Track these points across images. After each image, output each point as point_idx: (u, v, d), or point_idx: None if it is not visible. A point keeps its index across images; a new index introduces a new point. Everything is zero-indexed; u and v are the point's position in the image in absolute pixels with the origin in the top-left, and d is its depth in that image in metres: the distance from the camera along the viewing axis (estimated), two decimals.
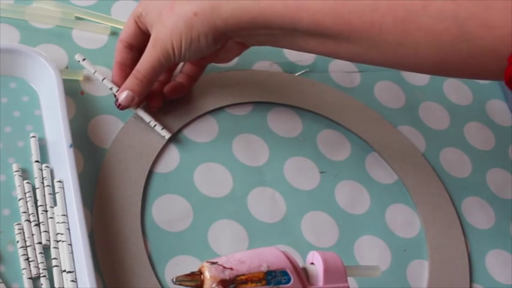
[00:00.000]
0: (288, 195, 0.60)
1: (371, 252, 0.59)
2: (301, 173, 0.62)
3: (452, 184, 0.66)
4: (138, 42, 0.58)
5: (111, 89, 0.59)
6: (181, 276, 0.43)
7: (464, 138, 0.70)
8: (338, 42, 0.51)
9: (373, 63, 0.53)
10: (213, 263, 0.43)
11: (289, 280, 0.44)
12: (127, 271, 0.52)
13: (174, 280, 0.43)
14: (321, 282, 0.46)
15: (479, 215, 0.65)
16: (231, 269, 0.43)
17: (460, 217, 0.64)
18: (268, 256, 0.44)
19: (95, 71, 0.60)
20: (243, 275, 0.43)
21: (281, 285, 0.44)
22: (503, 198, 0.67)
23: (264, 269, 0.43)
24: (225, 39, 0.56)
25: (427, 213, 0.63)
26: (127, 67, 0.59)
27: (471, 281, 0.60)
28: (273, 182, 0.61)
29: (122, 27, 0.65)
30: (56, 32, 0.63)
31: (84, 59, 0.60)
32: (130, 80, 0.57)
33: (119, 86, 0.58)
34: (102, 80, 0.60)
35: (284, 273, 0.44)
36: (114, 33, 0.65)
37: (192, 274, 0.43)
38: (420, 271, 0.60)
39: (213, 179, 0.59)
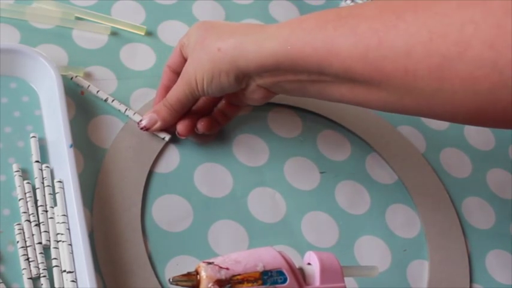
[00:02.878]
0: (288, 195, 0.60)
1: (371, 252, 0.59)
2: (301, 173, 0.62)
3: (452, 184, 0.66)
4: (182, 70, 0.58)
5: (105, 100, 0.60)
6: (177, 276, 0.43)
7: (464, 138, 0.70)
8: (369, 88, 0.48)
9: (405, 112, 0.50)
10: (209, 263, 0.43)
11: (285, 280, 0.44)
12: (127, 271, 0.52)
13: (171, 280, 0.44)
14: (317, 282, 0.46)
15: (479, 215, 0.65)
16: (227, 269, 0.43)
17: (460, 217, 0.64)
18: (264, 256, 0.45)
19: (89, 85, 0.60)
20: (239, 274, 0.43)
21: (277, 285, 0.44)
22: (503, 198, 0.67)
23: (260, 268, 0.43)
24: (248, 80, 0.54)
25: (427, 213, 0.63)
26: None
27: (471, 281, 0.60)
28: (273, 182, 0.61)
29: (122, 27, 0.66)
30: (56, 32, 0.63)
31: (76, 76, 0.60)
32: (159, 105, 0.58)
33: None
34: (97, 92, 0.60)
35: (280, 273, 0.44)
36: (114, 33, 0.65)
37: (189, 274, 0.43)
38: (420, 271, 0.60)
39: (213, 179, 0.59)
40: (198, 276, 0.43)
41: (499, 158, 0.70)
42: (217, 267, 0.43)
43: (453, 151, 0.69)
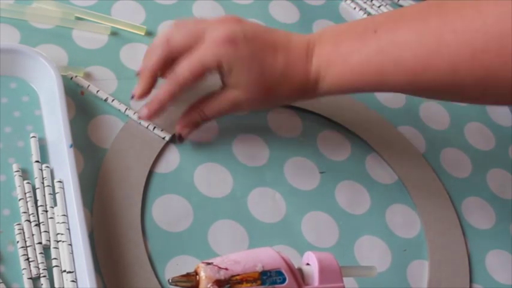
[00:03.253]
0: (288, 195, 0.60)
1: (371, 252, 0.59)
2: (301, 173, 0.62)
3: (452, 184, 0.66)
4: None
5: (105, 99, 0.60)
6: (177, 277, 0.44)
7: (464, 138, 0.70)
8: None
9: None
10: (208, 264, 0.43)
11: (284, 280, 0.44)
12: (127, 271, 0.52)
13: (170, 281, 0.44)
14: (316, 283, 0.46)
15: (479, 215, 0.65)
16: (226, 269, 0.43)
17: (460, 217, 0.64)
18: (263, 256, 0.45)
19: (89, 85, 0.60)
20: (238, 275, 0.43)
21: (276, 285, 0.44)
22: (503, 198, 0.67)
23: (259, 269, 0.44)
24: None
25: (427, 213, 0.63)
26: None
27: (471, 281, 0.60)
28: (273, 182, 0.61)
29: (122, 27, 0.66)
30: (56, 32, 0.63)
31: (76, 76, 0.60)
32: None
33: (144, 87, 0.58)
34: (97, 92, 0.60)
35: (279, 273, 0.44)
36: (114, 33, 0.65)
37: (188, 275, 0.44)
38: (420, 271, 0.60)
39: (213, 179, 0.59)
40: (197, 276, 0.43)
41: (499, 158, 0.70)
42: (216, 267, 0.43)
43: (453, 151, 0.69)
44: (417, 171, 0.66)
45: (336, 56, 0.54)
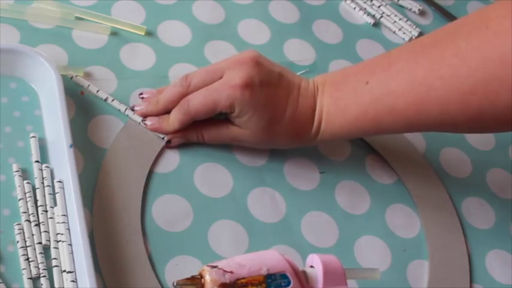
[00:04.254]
0: (288, 196, 0.60)
1: (371, 252, 0.59)
2: (301, 173, 0.62)
3: (452, 184, 0.66)
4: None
5: (105, 99, 0.60)
6: (181, 280, 0.44)
7: (464, 138, 0.70)
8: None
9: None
10: (213, 267, 0.43)
11: (289, 283, 0.44)
12: (127, 271, 0.52)
13: (175, 284, 0.44)
14: (320, 285, 0.46)
15: (479, 215, 0.65)
16: (231, 272, 0.43)
17: (460, 217, 0.64)
18: (268, 259, 0.45)
19: (89, 85, 0.60)
20: (243, 278, 0.43)
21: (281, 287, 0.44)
22: (503, 198, 0.67)
23: (264, 272, 0.43)
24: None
25: (427, 213, 0.63)
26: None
27: (471, 281, 0.60)
28: (273, 182, 0.61)
29: (122, 27, 0.66)
30: (56, 32, 0.63)
31: (76, 76, 0.60)
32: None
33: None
34: (97, 92, 0.60)
35: (284, 276, 0.44)
36: (114, 33, 0.65)
37: (193, 278, 0.43)
38: (420, 271, 0.60)
39: (213, 179, 0.59)
40: (203, 280, 0.43)
41: (499, 158, 0.70)
42: (221, 270, 0.43)
43: (453, 151, 0.69)
44: (417, 171, 0.65)
45: (335, 110, 0.57)
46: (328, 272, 0.46)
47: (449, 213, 0.64)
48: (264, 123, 0.57)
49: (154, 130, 0.59)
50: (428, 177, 0.65)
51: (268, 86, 0.57)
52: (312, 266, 0.48)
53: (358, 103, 0.56)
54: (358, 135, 0.62)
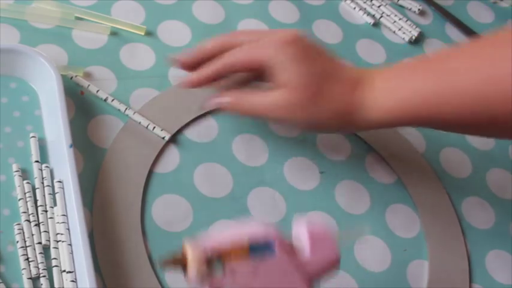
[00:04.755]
0: (288, 195, 0.60)
1: (371, 252, 0.59)
2: (301, 173, 0.62)
3: (452, 184, 0.66)
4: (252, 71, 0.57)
5: (105, 99, 0.60)
6: (165, 260, 0.42)
7: (464, 138, 0.70)
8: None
9: None
10: (195, 242, 0.42)
11: (273, 252, 0.43)
12: (127, 271, 0.52)
13: (161, 264, 0.42)
14: (307, 253, 0.44)
15: (479, 215, 0.65)
16: (214, 247, 0.42)
17: (460, 217, 0.64)
18: (252, 230, 0.43)
19: (89, 85, 0.60)
20: (227, 250, 0.42)
21: (265, 257, 0.43)
22: (503, 198, 0.67)
23: (246, 242, 0.42)
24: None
25: (427, 213, 0.63)
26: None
27: (471, 281, 0.60)
28: (273, 182, 0.61)
29: (121, 27, 0.66)
30: (56, 32, 0.63)
31: (76, 76, 0.60)
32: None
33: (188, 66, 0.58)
34: (97, 92, 0.60)
35: (267, 246, 0.43)
36: (114, 33, 0.65)
37: (176, 259, 0.42)
38: (420, 271, 0.60)
39: (213, 179, 0.59)
40: (186, 256, 0.42)
41: (499, 158, 0.70)
42: (203, 247, 0.42)
43: (453, 151, 0.69)
44: (417, 171, 0.66)
45: (385, 90, 0.53)
46: (315, 240, 0.44)
47: (449, 213, 0.64)
48: (306, 72, 0.53)
49: (193, 84, 0.57)
50: (428, 177, 0.65)
51: (313, 46, 0.55)
52: (298, 234, 0.46)
53: (414, 84, 0.52)
54: (407, 121, 0.55)
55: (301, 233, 0.45)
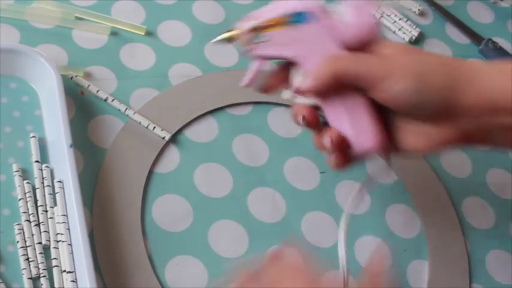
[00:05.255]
0: (288, 195, 0.60)
1: (371, 252, 0.59)
2: (301, 173, 0.62)
3: (452, 184, 0.66)
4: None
5: (105, 99, 0.60)
6: (220, 36, 0.48)
7: None
8: None
9: None
10: (242, 21, 0.47)
11: (312, 20, 0.46)
12: (127, 271, 0.52)
13: (215, 41, 0.48)
14: (347, 17, 0.46)
15: (479, 215, 0.65)
16: (256, 20, 0.46)
17: (460, 217, 0.64)
18: (288, 4, 0.46)
19: (89, 85, 0.60)
20: (267, 22, 0.46)
21: (304, 24, 0.46)
22: (503, 198, 0.67)
23: (285, 13, 0.46)
24: (454, 120, 0.45)
25: (427, 213, 0.63)
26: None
27: (471, 281, 0.60)
28: (273, 182, 0.61)
29: (122, 27, 0.66)
30: (56, 32, 0.63)
31: (76, 76, 0.60)
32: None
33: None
34: (97, 92, 0.60)
35: (307, 15, 0.46)
36: (114, 33, 0.65)
37: (227, 31, 0.47)
38: (420, 271, 0.60)
39: (213, 179, 0.59)
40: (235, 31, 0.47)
41: (499, 158, 0.70)
42: (248, 19, 0.46)
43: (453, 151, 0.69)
44: (417, 171, 0.65)
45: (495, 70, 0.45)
46: (355, 7, 0.46)
47: (449, 213, 0.64)
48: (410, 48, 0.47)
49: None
50: (428, 177, 0.65)
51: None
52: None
53: None
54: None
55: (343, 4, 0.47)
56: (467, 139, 0.46)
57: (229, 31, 0.47)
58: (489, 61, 0.47)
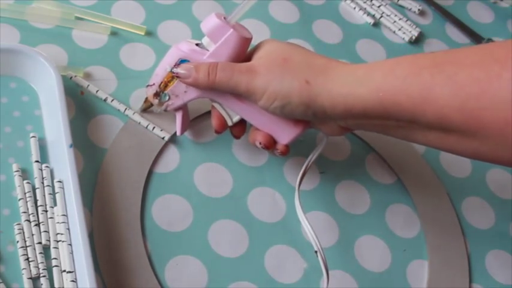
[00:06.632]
0: (288, 195, 0.60)
1: (371, 252, 0.59)
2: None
3: (452, 184, 0.66)
4: None
5: (105, 99, 0.60)
6: (140, 108, 0.60)
7: None
8: (460, 137, 0.46)
9: (496, 162, 0.47)
10: (147, 86, 0.57)
11: (188, 61, 0.55)
12: (127, 271, 0.52)
13: (139, 112, 0.60)
14: (212, 45, 0.54)
15: (479, 215, 0.65)
16: (154, 84, 0.56)
17: (460, 217, 0.64)
18: (168, 59, 0.55)
19: (88, 85, 0.60)
20: (162, 82, 0.56)
21: (183, 64, 0.54)
22: (503, 198, 0.67)
23: (168, 69, 0.55)
24: (328, 119, 0.53)
25: (427, 213, 0.63)
26: None
27: (471, 281, 0.60)
28: (273, 182, 0.61)
29: (121, 27, 0.66)
30: (56, 32, 0.63)
31: (75, 76, 0.60)
32: (203, 66, 0.53)
33: None
34: (96, 92, 0.60)
35: (183, 61, 0.54)
36: (114, 33, 0.65)
37: (144, 102, 0.60)
38: (420, 271, 0.60)
39: (213, 179, 0.59)
40: (147, 98, 0.59)
41: None
42: (148, 87, 0.57)
43: None
44: (417, 171, 0.66)
45: (370, 78, 0.49)
46: (210, 32, 0.53)
47: (448, 213, 0.64)
48: (279, 50, 0.53)
49: (181, 78, 0.55)
50: (428, 177, 0.66)
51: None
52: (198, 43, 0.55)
53: (411, 60, 0.48)
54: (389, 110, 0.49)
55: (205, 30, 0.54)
56: (362, 130, 0.54)
57: (144, 101, 0.60)
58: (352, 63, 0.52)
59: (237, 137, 0.58)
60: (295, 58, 0.52)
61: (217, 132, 0.57)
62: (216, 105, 0.57)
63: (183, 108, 0.58)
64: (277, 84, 0.51)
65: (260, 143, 0.56)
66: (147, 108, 0.60)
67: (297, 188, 0.57)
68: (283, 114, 0.53)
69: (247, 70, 0.52)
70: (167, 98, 0.56)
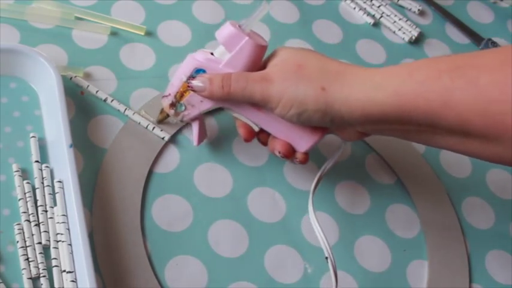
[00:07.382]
0: (288, 195, 0.60)
1: (371, 252, 0.59)
2: (301, 173, 0.62)
3: (452, 184, 0.66)
4: None
5: (105, 99, 0.60)
6: (157, 119, 0.60)
7: None
8: (483, 142, 0.46)
9: None
10: (162, 97, 0.57)
11: (205, 71, 0.54)
12: (127, 271, 0.52)
13: (155, 123, 0.60)
14: (228, 54, 0.53)
15: (479, 215, 0.65)
16: (169, 94, 0.56)
17: (460, 217, 0.64)
18: (184, 69, 0.55)
19: (88, 85, 0.60)
20: (177, 92, 0.56)
21: (200, 74, 0.54)
22: (503, 198, 0.67)
23: (184, 79, 0.55)
24: (346, 125, 0.52)
25: (427, 213, 0.63)
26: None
27: (471, 281, 0.60)
28: (273, 182, 0.61)
29: (121, 27, 0.66)
30: (56, 32, 0.63)
31: (75, 76, 0.60)
32: (217, 77, 0.53)
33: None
34: (96, 92, 0.60)
35: (199, 71, 0.54)
36: (114, 33, 0.65)
37: (160, 113, 0.60)
38: (420, 271, 0.60)
39: (213, 179, 0.59)
40: (162, 109, 0.59)
41: None
42: (164, 97, 0.57)
43: None
44: (417, 171, 0.66)
45: (388, 83, 0.48)
46: (226, 41, 0.53)
47: (448, 213, 0.64)
48: (294, 55, 0.52)
49: (196, 91, 0.55)
50: (428, 177, 0.65)
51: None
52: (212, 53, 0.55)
53: (430, 64, 0.48)
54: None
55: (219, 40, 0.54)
56: (382, 135, 0.53)
57: (160, 112, 0.59)
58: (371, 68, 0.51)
59: (265, 144, 0.57)
60: (310, 64, 0.51)
61: (246, 141, 0.57)
62: (236, 115, 0.56)
63: (200, 118, 0.58)
64: (292, 91, 0.50)
65: (279, 152, 0.55)
66: (163, 119, 0.60)
67: (311, 194, 0.57)
68: (300, 121, 0.52)
69: (261, 79, 0.52)
70: (183, 108, 0.56)
